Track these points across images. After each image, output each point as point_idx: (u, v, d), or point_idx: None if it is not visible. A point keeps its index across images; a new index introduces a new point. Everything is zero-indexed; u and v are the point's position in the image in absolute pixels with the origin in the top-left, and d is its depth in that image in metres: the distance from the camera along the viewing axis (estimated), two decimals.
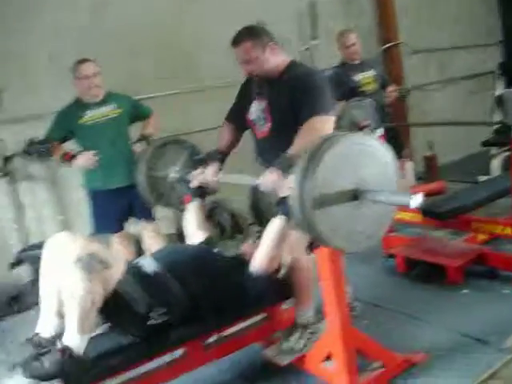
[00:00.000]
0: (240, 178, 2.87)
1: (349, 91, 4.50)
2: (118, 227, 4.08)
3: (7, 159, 4.18)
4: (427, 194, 4.83)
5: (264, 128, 2.84)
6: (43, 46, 4.53)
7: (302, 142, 2.52)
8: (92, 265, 2.14)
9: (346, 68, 4.76)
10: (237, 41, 2.72)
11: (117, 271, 2.26)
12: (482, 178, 5.38)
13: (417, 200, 1.95)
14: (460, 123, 5.32)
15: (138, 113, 4.07)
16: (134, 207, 3.99)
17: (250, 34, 2.71)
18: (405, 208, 4.02)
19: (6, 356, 3.64)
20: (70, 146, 3.98)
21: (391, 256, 4.03)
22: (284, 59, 2.80)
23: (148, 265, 2.53)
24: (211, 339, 2.71)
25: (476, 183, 5.07)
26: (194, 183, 3.05)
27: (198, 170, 3.04)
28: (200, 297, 2.47)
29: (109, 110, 3.90)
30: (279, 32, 5.01)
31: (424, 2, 6.64)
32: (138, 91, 4.33)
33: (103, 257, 2.20)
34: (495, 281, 3.54)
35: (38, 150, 3.84)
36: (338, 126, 4.06)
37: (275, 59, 2.74)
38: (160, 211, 4.31)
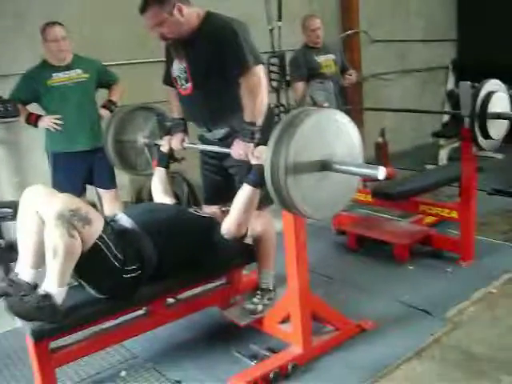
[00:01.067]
0: (208, 147, 2.97)
1: (310, 72, 4.71)
2: (77, 191, 4.09)
3: None
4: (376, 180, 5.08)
5: (187, 86, 2.85)
6: (9, 5, 4.48)
7: (251, 104, 2.64)
8: (74, 221, 2.20)
9: (308, 50, 4.95)
10: (143, 7, 2.65)
11: (96, 228, 2.32)
12: (430, 167, 5.64)
13: (382, 173, 2.08)
14: (412, 110, 5.54)
15: (104, 78, 4.09)
16: (94, 172, 4.04)
17: None
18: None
19: None
20: (35, 108, 4.00)
21: (342, 233, 4.23)
22: (198, 13, 2.73)
23: (123, 221, 2.61)
24: (173, 299, 2.84)
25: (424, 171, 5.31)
26: (163, 149, 3.13)
27: (166, 138, 3.13)
28: (170, 254, 2.57)
29: (76, 74, 3.92)
30: (249, 11, 5.18)
31: None
32: (106, 58, 4.33)
33: (84, 214, 2.26)
34: (439, 260, 3.77)
35: (4, 109, 3.81)
36: (300, 106, 4.23)
37: (186, 19, 2.67)
38: (118, 179, 4.37)
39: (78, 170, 4.00)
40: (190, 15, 2.69)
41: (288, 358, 2.63)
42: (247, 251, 2.93)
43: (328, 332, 2.84)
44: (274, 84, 5.25)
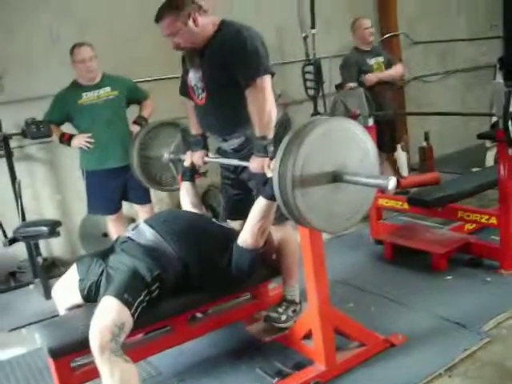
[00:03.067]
0: (227, 160, 2.95)
1: (361, 74, 4.84)
2: (113, 208, 4.17)
3: (6, 139, 4.24)
4: (420, 185, 4.95)
5: (202, 96, 2.83)
6: (45, 29, 4.61)
7: (259, 119, 2.61)
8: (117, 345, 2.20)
9: (359, 53, 5.06)
10: (158, 16, 2.66)
11: (130, 319, 2.30)
12: (476, 170, 5.43)
13: (391, 183, 2.01)
14: (457, 114, 5.35)
15: (134, 95, 4.16)
16: (129, 188, 4.08)
17: (170, 8, 2.64)
18: (393, 196, 4.15)
19: None
20: (68, 128, 4.09)
21: (379, 242, 4.12)
22: (213, 22, 2.72)
23: (145, 231, 2.63)
24: (197, 314, 2.82)
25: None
26: (185, 164, 3.13)
27: (188, 153, 3.13)
28: (194, 264, 2.55)
29: (105, 92, 4.00)
30: (283, 20, 5.16)
31: None
32: (136, 74, 4.39)
33: (118, 330, 2.23)
34: (479, 269, 3.61)
35: (36, 130, 3.92)
36: (332, 114, 4.17)
37: (200, 29, 2.67)
38: (156, 194, 4.42)
39: (112, 187, 4.06)
40: (205, 25, 2.68)
41: (310, 375, 2.56)
42: (271, 265, 2.87)
43: (353, 348, 2.75)
44: (311, 92, 5.23)
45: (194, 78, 2.85)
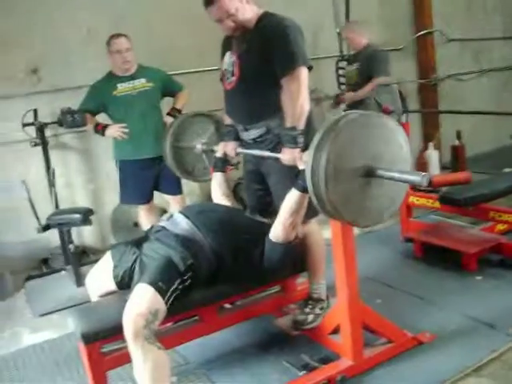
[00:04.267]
0: (260, 152, 2.93)
1: None
2: (145, 198, 4.22)
3: (41, 128, 4.33)
4: (452, 184, 4.92)
5: (231, 80, 2.83)
6: (81, 21, 4.68)
7: (292, 109, 2.60)
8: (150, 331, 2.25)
9: None
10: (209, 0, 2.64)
11: (164, 307, 2.34)
12: (509, 171, 5.37)
13: (425, 179, 2.01)
14: (490, 113, 5.29)
15: (169, 87, 4.20)
16: (161, 179, 4.13)
17: None
18: (424, 194, 4.12)
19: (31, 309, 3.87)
20: (102, 118, 4.16)
21: (409, 240, 4.10)
22: (256, 11, 2.75)
23: (180, 221, 2.66)
24: (225, 305, 2.85)
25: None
26: (217, 155, 3.14)
27: (221, 143, 3.14)
28: (227, 255, 2.57)
29: (140, 84, 4.05)
30: (318, 15, 5.15)
31: None
32: (172, 66, 4.43)
33: (152, 316, 2.27)
34: (508, 270, 3.57)
35: (72, 119, 3.98)
36: (365, 109, 4.15)
37: (251, 9, 2.71)
38: (187, 185, 4.45)
39: (144, 177, 4.11)
40: (252, 10, 2.71)
41: (337, 369, 2.57)
42: (298, 258, 2.89)
43: (381, 344, 2.75)
44: (343, 87, 5.22)
45: (227, 61, 2.86)
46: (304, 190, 2.38)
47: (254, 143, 2.87)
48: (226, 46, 2.91)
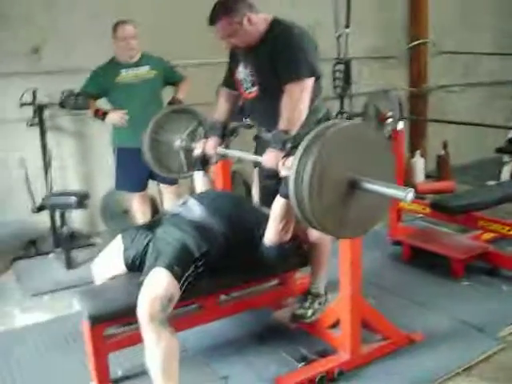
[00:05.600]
0: (240, 153, 2.98)
1: None
2: (140, 186, 4.24)
3: (40, 108, 4.31)
4: (436, 192, 5.02)
5: (252, 90, 2.85)
6: (84, 3, 4.67)
7: (289, 113, 2.58)
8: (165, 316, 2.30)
9: None
10: (213, 19, 2.66)
11: (177, 293, 2.39)
12: (492, 183, 5.52)
13: (410, 195, 1.98)
14: (476, 124, 5.41)
15: (171, 76, 4.23)
16: None
17: (225, 10, 2.63)
18: (415, 200, 4.20)
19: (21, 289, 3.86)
20: (102, 103, 4.17)
21: (397, 243, 4.21)
22: (265, 19, 2.73)
23: (193, 206, 2.70)
24: (227, 296, 2.89)
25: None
26: (196, 154, 3.10)
27: (200, 142, 3.10)
28: (237, 242, 2.61)
29: (143, 72, 4.08)
30: (318, 18, 5.19)
31: (458, 3, 6.74)
32: (174, 56, 4.45)
33: (167, 301, 2.31)
34: (496, 277, 3.70)
35: (74, 102, 3.98)
36: (364, 114, 4.24)
37: (255, 28, 2.68)
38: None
39: (141, 166, 4.06)
40: (258, 23, 2.70)
41: (335, 363, 2.65)
42: (301, 255, 2.95)
43: (376, 341, 2.84)
44: (338, 91, 5.29)
45: (243, 72, 2.86)
46: (287, 196, 2.31)
47: None
48: (236, 55, 2.91)
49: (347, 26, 5.20)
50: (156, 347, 2.22)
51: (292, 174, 2.04)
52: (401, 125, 4.11)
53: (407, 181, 5.22)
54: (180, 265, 2.38)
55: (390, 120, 4.08)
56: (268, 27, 2.73)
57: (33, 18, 4.48)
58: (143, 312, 2.23)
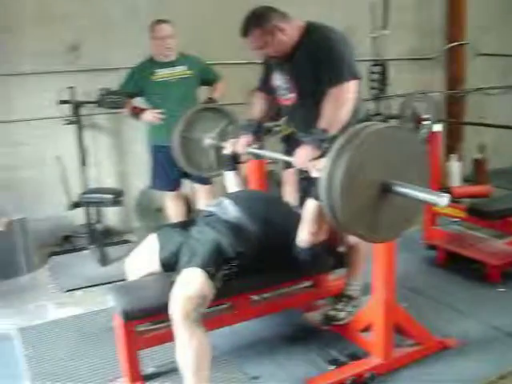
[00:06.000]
0: (270, 153, 2.97)
1: None
2: (175, 185, 4.27)
3: (77, 106, 4.36)
4: (472, 196, 4.94)
5: (288, 97, 2.82)
6: (122, 3, 4.73)
7: (332, 114, 2.55)
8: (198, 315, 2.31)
9: None
10: (245, 31, 2.65)
11: (211, 292, 2.39)
12: None
13: (444, 200, 1.95)
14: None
15: (207, 76, 4.25)
16: None
17: (257, 22, 2.62)
18: (451, 203, 4.15)
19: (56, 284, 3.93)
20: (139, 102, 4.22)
21: (432, 247, 4.15)
22: (298, 26, 2.69)
23: (228, 207, 2.71)
24: (259, 296, 2.89)
25: None
26: (226, 152, 3.10)
27: (231, 140, 3.09)
28: (270, 244, 2.60)
29: (179, 71, 4.11)
30: (355, 20, 5.16)
31: (498, 3, 6.62)
32: (210, 56, 4.47)
33: (201, 300, 2.32)
34: None
35: (112, 100, 4.03)
36: (400, 117, 4.19)
37: (288, 36, 2.65)
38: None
39: (176, 164, 4.13)
40: (291, 32, 2.67)
41: (366, 366, 2.63)
42: (336, 257, 2.94)
43: (409, 345, 2.80)
44: (374, 92, 5.25)
45: (279, 78, 2.85)
46: (318, 198, 2.31)
47: None
48: (274, 64, 2.87)
49: (384, 28, 5.16)
50: (188, 346, 2.23)
51: (323, 177, 2.02)
52: (437, 127, 4.06)
53: (443, 184, 5.14)
54: (214, 265, 2.38)
55: (426, 122, 4.02)
56: (303, 33, 2.70)
57: (72, 17, 4.54)
58: (176, 311, 2.24)
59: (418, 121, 4.09)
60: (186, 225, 2.76)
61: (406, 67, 5.98)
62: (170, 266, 2.58)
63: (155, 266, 2.65)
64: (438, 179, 4.18)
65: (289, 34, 2.66)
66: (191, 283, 2.31)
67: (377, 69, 5.14)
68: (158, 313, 2.47)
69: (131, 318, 2.46)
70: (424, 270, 4.01)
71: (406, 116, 4.11)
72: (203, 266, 2.35)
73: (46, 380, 2.73)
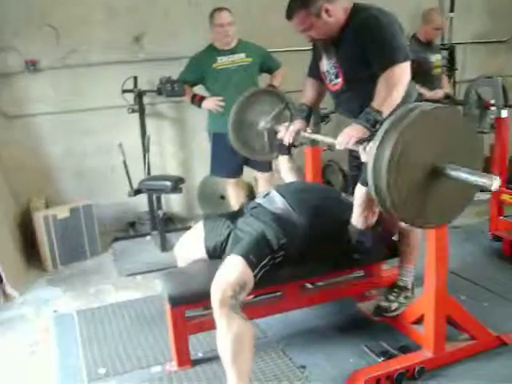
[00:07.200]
0: (321, 137, 2.94)
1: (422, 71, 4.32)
2: (235, 172, 4.29)
3: (140, 95, 4.46)
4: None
5: (337, 82, 2.74)
6: None
7: (385, 94, 2.44)
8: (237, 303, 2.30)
9: (421, 46, 4.63)
10: (289, 14, 2.58)
11: (251, 280, 2.39)
12: None
13: (495, 183, 1.88)
14: None
15: (267, 64, 4.24)
16: None
17: (302, 3, 2.53)
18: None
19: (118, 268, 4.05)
20: (199, 90, 4.25)
21: (498, 239, 3.99)
22: (345, 8, 2.58)
23: (275, 199, 2.71)
24: (311, 285, 2.88)
25: None
26: (280, 136, 3.05)
27: (284, 124, 3.05)
28: (318, 236, 2.59)
29: (239, 58, 4.11)
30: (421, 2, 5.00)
31: None
32: (270, 43, 4.45)
33: (240, 288, 2.31)
34: None
35: (171, 88, 4.09)
36: (465, 102, 4.03)
37: (334, 18, 2.56)
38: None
39: (236, 152, 4.15)
40: (337, 13, 2.57)
41: (416, 360, 2.54)
42: (390, 246, 2.88)
43: (463, 340, 2.70)
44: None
45: (327, 64, 2.78)
46: (366, 183, 2.29)
47: None
48: (321, 48, 2.80)
49: (452, 10, 4.97)
50: (226, 332, 2.23)
51: (370, 161, 1.98)
52: (505, 113, 3.87)
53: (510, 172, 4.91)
54: (256, 254, 2.38)
55: (493, 108, 3.85)
56: (350, 14, 2.60)
57: (136, 9, 4.63)
58: (215, 297, 2.26)
59: (484, 106, 3.92)
60: (233, 215, 2.78)
61: (476, 51, 5.73)
62: (216, 255, 2.61)
63: (201, 253, 2.68)
64: (505, 166, 3.98)
65: (335, 15, 2.57)
66: (230, 270, 2.31)
67: (444, 53, 4.96)
68: (203, 299, 2.48)
69: (177, 303, 2.52)
70: (488, 261, 3.85)
71: (470, 101, 3.94)
72: (244, 254, 2.35)
73: (99, 360, 2.82)
